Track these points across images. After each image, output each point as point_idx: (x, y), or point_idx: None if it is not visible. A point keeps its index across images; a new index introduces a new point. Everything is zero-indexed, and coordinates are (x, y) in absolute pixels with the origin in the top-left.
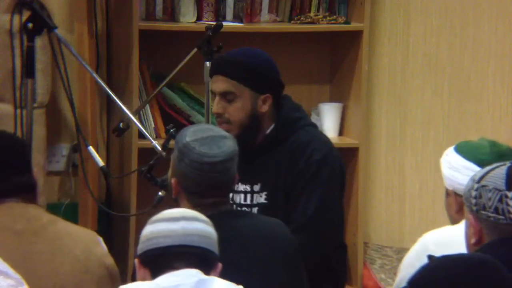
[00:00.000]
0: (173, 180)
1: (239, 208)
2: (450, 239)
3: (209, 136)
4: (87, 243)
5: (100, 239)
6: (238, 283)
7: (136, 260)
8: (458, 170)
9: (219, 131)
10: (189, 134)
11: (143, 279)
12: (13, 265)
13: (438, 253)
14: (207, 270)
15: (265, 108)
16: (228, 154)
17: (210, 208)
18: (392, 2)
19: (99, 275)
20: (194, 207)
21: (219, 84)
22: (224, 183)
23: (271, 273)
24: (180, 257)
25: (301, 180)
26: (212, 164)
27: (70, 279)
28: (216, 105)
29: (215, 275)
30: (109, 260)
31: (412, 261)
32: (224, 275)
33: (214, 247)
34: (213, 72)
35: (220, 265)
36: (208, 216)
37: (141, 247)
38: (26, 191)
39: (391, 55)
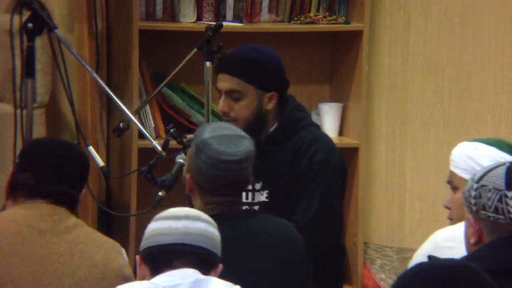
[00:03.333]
0: (187, 176)
1: (248, 207)
2: (462, 235)
3: (227, 135)
4: (108, 251)
5: (123, 250)
6: (244, 282)
7: (138, 257)
8: None
9: (237, 130)
10: (208, 131)
11: (143, 276)
12: (32, 262)
13: (451, 248)
14: (207, 270)
15: (270, 106)
16: (245, 154)
17: (221, 207)
18: (392, 2)
19: (116, 285)
20: (205, 204)
21: (225, 82)
22: (239, 182)
23: (278, 275)
24: (180, 255)
25: (303, 179)
26: (228, 162)
27: (86, 284)
28: (221, 104)
29: (214, 276)
30: (128, 272)
31: (422, 259)
32: (231, 274)
33: (215, 248)
34: (218, 70)
35: (220, 266)
36: (218, 215)
37: (143, 244)
38: (62, 199)
39: (391, 55)
